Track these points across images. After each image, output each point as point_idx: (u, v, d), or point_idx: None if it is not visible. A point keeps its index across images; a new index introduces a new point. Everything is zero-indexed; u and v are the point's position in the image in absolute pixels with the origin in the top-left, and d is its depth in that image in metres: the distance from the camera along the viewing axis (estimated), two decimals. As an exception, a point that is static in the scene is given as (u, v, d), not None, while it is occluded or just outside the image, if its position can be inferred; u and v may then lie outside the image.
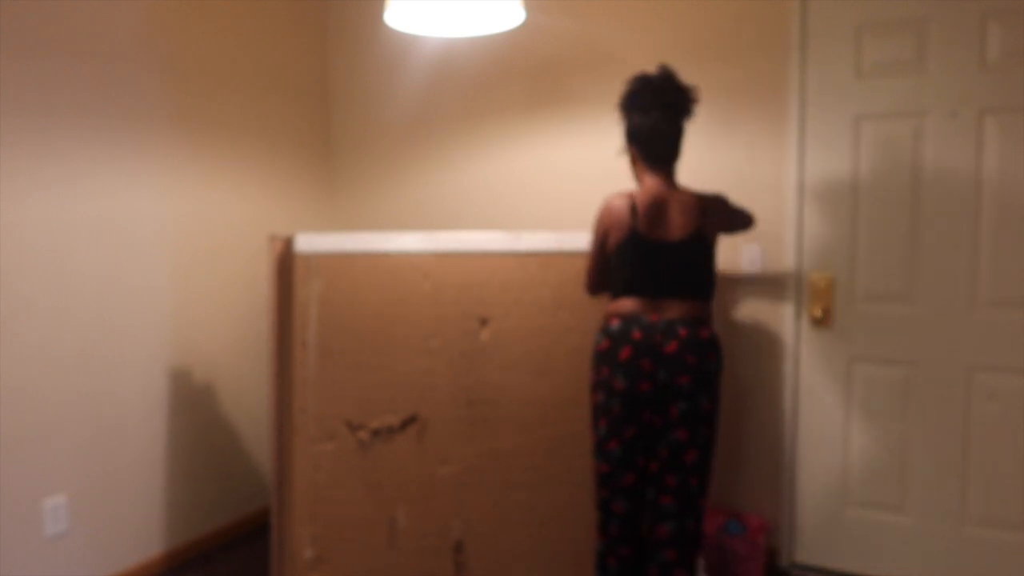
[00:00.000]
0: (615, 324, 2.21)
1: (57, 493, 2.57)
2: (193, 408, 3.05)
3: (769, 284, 2.85)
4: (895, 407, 2.71)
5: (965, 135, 2.55)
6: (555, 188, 3.21)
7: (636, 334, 2.17)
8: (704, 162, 2.92)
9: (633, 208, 2.22)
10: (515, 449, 2.48)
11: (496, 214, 3.32)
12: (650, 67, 2.98)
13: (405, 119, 3.48)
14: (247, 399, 3.28)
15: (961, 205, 2.57)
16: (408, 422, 2.55)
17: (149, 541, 2.89)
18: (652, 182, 2.27)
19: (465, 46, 3.28)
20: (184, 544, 3.02)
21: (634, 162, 2.35)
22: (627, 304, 2.22)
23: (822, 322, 2.77)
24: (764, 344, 2.87)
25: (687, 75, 2.93)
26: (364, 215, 3.63)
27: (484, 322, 2.49)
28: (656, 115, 2.25)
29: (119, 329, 2.74)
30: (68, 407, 2.59)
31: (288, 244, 2.60)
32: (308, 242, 2.59)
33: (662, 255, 2.21)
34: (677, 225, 2.21)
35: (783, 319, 2.84)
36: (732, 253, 2.89)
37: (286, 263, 2.60)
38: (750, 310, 2.89)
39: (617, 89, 3.05)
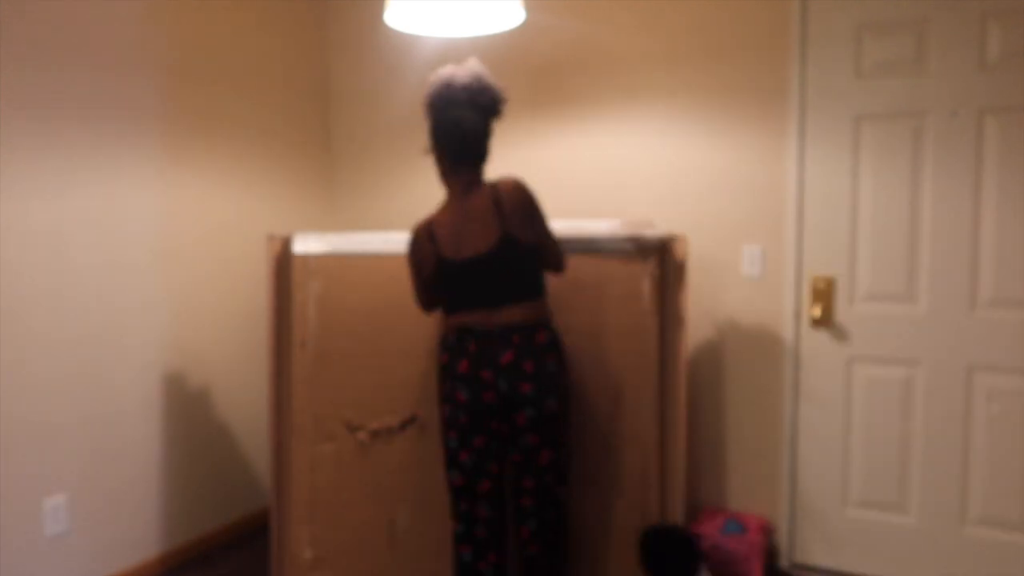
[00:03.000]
0: (451, 337, 2.17)
1: (57, 493, 2.57)
2: (193, 408, 3.05)
3: (769, 284, 2.85)
4: (895, 407, 2.70)
5: (965, 135, 2.54)
6: (555, 188, 3.20)
7: (471, 346, 2.12)
8: (704, 162, 2.92)
9: (431, 235, 2.16)
10: (514, 449, 2.48)
11: (496, 214, 3.31)
12: (650, 67, 2.99)
13: (405, 119, 3.48)
14: (246, 399, 3.28)
15: (961, 205, 2.56)
16: (407, 423, 2.55)
17: (149, 541, 2.89)
18: (450, 194, 2.20)
19: (465, 46, 3.28)
20: (184, 544, 3.02)
21: (439, 164, 2.24)
22: (460, 317, 2.16)
23: (822, 322, 2.77)
24: (764, 344, 2.87)
25: (687, 75, 2.94)
26: (364, 215, 3.63)
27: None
28: (459, 114, 2.15)
29: (118, 329, 2.74)
30: (68, 407, 2.59)
31: (286, 244, 2.60)
32: (306, 242, 2.59)
33: (475, 271, 2.14)
34: (481, 235, 2.12)
35: (783, 319, 2.84)
36: (732, 253, 2.89)
37: (284, 263, 2.60)
38: (750, 310, 2.89)
39: (617, 89, 3.07)
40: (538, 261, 2.21)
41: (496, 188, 2.16)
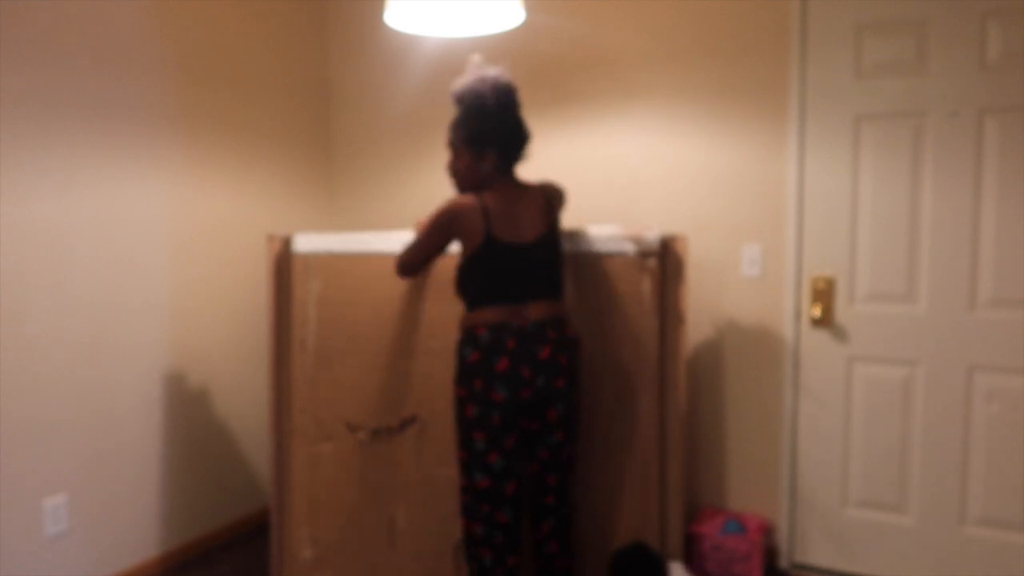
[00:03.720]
0: (483, 334, 2.11)
1: (57, 493, 2.57)
2: (193, 408, 3.05)
3: (769, 284, 2.85)
4: (895, 407, 2.70)
5: (965, 135, 2.54)
6: (555, 188, 3.20)
7: (510, 343, 2.10)
8: (704, 162, 2.92)
9: (485, 212, 2.13)
10: (514, 449, 2.48)
11: (496, 214, 3.31)
12: (650, 67, 2.99)
13: (405, 119, 3.48)
14: (246, 399, 3.28)
15: (961, 205, 2.56)
16: (407, 423, 2.54)
17: (149, 541, 2.89)
18: (502, 183, 2.20)
19: (465, 46, 3.28)
20: (184, 544, 3.02)
21: (471, 166, 2.20)
22: (491, 312, 2.13)
23: (822, 322, 2.77)
24: (764, 344, 2.87)
25: (686, 75, 2.94)
26: (364, 215, 3.63)
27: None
28: (519, 117, 2.21)
29: (119, 329, 2.74)
30: (68, 407, 2.59)
31: (286, 244, 2.60)
32: (306, 242, 2.59)
33: (520, 258, 2.14)
34: (530, 225, 2.16)
35: (783, 319, 2.84)
36: (732, 253, 2.89)
37: (284, 263, 2.60)
38: (750, 310, 2.89)
39: (617, 89, 3.07)
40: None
41: (544, 187, 2.26)
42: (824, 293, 2.76)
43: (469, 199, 2.15)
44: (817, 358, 2.80)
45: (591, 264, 2.46)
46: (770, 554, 2.88)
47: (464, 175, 2.24)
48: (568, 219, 3.14)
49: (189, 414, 3.03)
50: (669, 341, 2.40)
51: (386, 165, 3.56)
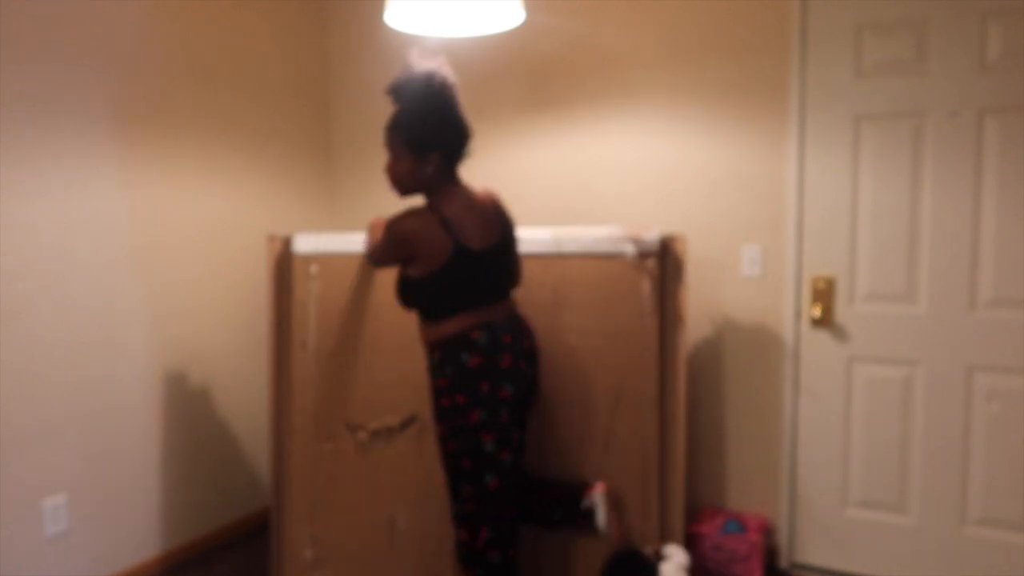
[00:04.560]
0: (480, 336, 2.06)
1: (57, 493, 2.57)
2: (193, 408, 3.05)
3: (769, 284, 2.85)
4: (895, 407, 2.70)
5: (965, 135, 2.54)
6: (555, 188, 3.20)
7: (507, 338, 2.10)
8: (704, 162, 2.92)
9: (446, 224, 2.03)
10: (514, 449, 2.48)
11: (496, 214, 3.31)
12: (650, 67, 2.99)
13: (405, 119, 3.48)
14: (246, 399, 3.28)
15: (961, 205, 2.56)
16: (407, 423, 2.55)
17: (149, 541, 2.89)
18: (452, 187, 2.11)
19: (465, 46, 3.28)
20: (184, 544, 3.02)
21: (413, 170, 2.09)
22: (476, 315, 2.08)
23: (822, 322, 2.77)
24: (764, 344, 2.87)
25: (686, 74, 2.94)
26: (364, 215, 3.62)
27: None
28: (461, 114, 2.08)
29: (118, 329, 2.74)
30: (68, 407, 2.59)
31: (286, 244, 2.60)
32: (306, 242, 2.59)
33: (489, 261, 2.10)
34: (490, 227, 2.12)
35: (783, 319, 2.84)
36: (732, 253, 2.89)
37: (284, 263, 2.60)
38: (750, 310, 2.89)
39: (617, 89, 3.06)
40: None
41: (488, 191, 2.22)
42: (824, 293, 2.76)
43: (423, 218, 2.04)
44: (817, 358, 2.80)
45: (591, 264, 2.46)
46: (770, 554, 2.88)
47: (405, 179, 2.12)
48: (568, 219, 3.15)
49: (189, 414, 3.03)
50: (669, 341, 2.40)
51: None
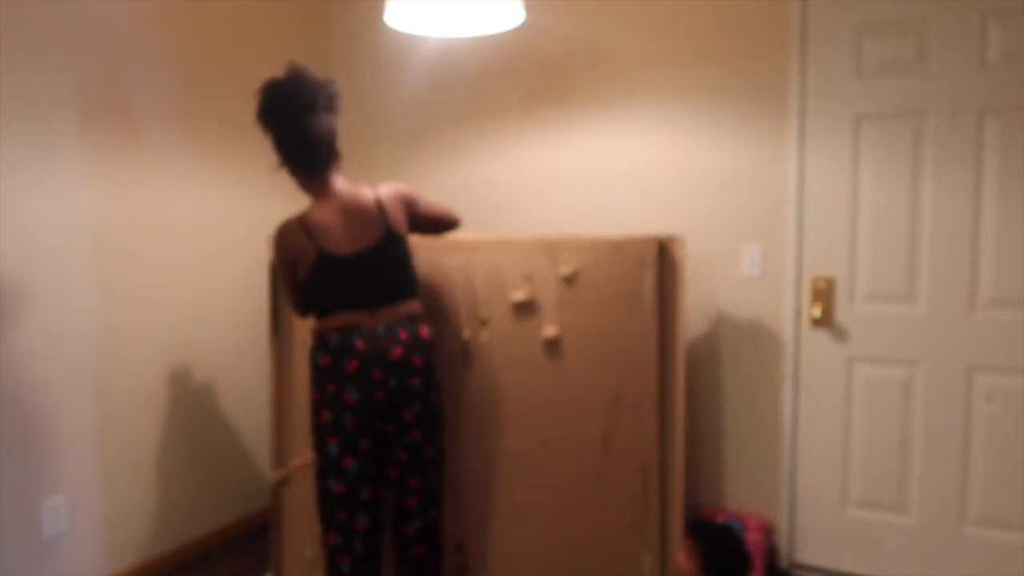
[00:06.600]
0: (333, 338, 2.09)
1: (56, 493, 2.57)
2: (193, 408, 3.05)
3: (769, 284, 2.85)
4: (895, 407, 2.71)
5: (965, 135, 2.54)
6: (555, 188, 3.21)
7: (360, 344, 2.08)
8: (704, 162, 2.92)
9: (306, 230, 2.10)
10: (515, 449, 2.48)
11: (496, 214, 3.32)
12: (650, 67, 2.99)
13: (405, 119, 3.48)
14: (247, 399, 3.28)
15: (961, 205, 2.57)
16: (408, 422, 2.54)
17: (148, 541, 2.89)
18: (322, 194, 2.15)
19: (465, 46, 3.28)
20: (184, 544, 3.02)
21: (295, 176, 2.19)
22: (341, 317, 2.10)
23: (822, 322, 2.77)
24: (764, 344, 2.87)
25: (687, 75, 2.95)
26: (364, 215, 3.63)
27: (484, 323, 2.49)
28: (302, 123, 2.08)
29: (119, 329, 2.74)
30: (68, 407, 2.59)
31: (287, 244, 2.60)
32: (308, 242, 2.58)
33: (356, 267, 2.11)
34: (360, 233, 2.11)
35: (783, 319, 2.84)
36: (732, 253, 2.89)
37: (286, 263, 2.59)
38: (750, 310, 2.89)
39: (617, 89, 3.06)
40: (438, 228, 2.35)
41: (375, 188, 2.20)
42: (824, 293, 2.76)
43: (288, 227, 2.14)
44: (817, 358, 2.80)
45: (591, 264, 2.45)
46: (770, 554, 2.88)
47: (302, 188, 2.21)
48: (568, 219, 3.16)
49: (190, 413, 3.03)
50: (668, 341, 2.40)
51: (386, 165, 3.55)
